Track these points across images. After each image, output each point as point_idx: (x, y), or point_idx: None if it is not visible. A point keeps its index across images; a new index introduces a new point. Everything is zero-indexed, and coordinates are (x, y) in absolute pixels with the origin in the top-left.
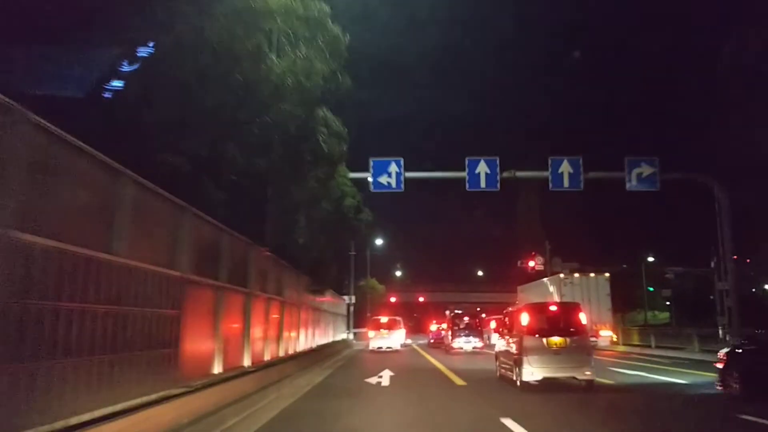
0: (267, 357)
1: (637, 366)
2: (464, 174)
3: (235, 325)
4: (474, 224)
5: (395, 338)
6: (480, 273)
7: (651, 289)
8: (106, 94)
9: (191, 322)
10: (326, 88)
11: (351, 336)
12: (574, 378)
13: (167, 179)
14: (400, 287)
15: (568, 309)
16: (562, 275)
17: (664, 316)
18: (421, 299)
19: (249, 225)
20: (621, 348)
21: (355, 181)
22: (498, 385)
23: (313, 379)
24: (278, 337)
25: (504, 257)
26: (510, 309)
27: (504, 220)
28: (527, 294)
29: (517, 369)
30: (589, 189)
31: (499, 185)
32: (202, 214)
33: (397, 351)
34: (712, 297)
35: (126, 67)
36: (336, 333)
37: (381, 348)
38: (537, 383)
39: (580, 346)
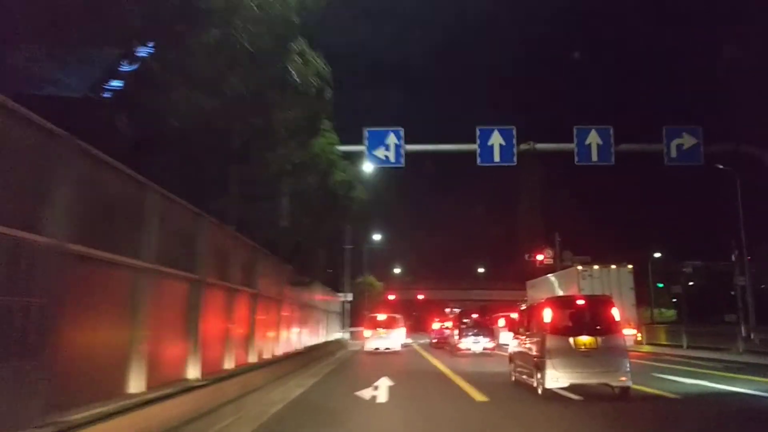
0: (229, 365)
1: (685, 371)
2: (475, 146)
3: (173, 324)
4: (474, 220)
5: (394, 338)
6: (481, 270)
7: (661, 285)
8: (106, 94)
9: (82, 318)
10: (302, 4)
11: (347, 335)
12: (607, 385)
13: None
14: (399, 285)
15: (599, 303)
16: (580, 267)
17: (670, 313)
18: (420, 297)
19: (210, 198)
20: (646, 348)
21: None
22: (528, 400)
23: (291, 392)
24: (247, 339)
25: (506, 253)
26: (525, 305)
27: (505, 216)
28: (538, 289)
29: (539, 374)
30: (596, 181)
31: (515, 159)
32: (98, 153)
33: (396, 352)
34: (733, 293)
35: (125, 67)
36: (329, 332)
37: (378, 349)
38: (563, 391)
39: (614, 347)
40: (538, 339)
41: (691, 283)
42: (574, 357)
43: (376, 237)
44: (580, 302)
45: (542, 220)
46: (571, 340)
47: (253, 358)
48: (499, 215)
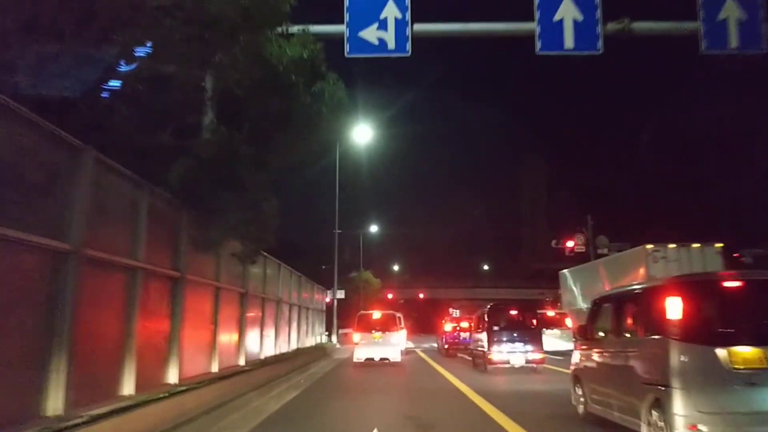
0: None
1: None
2: (533, 25)
3: None
4: (481, 214)
5: (393, 343)
6: (486, 267)
7: None
8: (104, 94)
9: None
10: None
11: (334, 339)
12: None
13: None
14: (398, 283)
15: None
16: (649, 246)
17: None
18: (421, 295)
19: None
20: None
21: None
22: None
23: None
24: (34, 359)
25: (509, 251)
26: (606, 293)
27: (514, 210)
28: (579, 280)
29: (655, 413)
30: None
31: (600, 44)
32: None
33: (395, 365)
34: None
35: (124, 67)
36: (306, 336)
37: (372, 359)
38: None
39: None
40: (650, 349)
41: None
42: (730, 384)
43: (373, 228)
44: (735, 284)
45: (544, 217)
46: (721, 352)
47: (55, 407)
48: (509, 208)
